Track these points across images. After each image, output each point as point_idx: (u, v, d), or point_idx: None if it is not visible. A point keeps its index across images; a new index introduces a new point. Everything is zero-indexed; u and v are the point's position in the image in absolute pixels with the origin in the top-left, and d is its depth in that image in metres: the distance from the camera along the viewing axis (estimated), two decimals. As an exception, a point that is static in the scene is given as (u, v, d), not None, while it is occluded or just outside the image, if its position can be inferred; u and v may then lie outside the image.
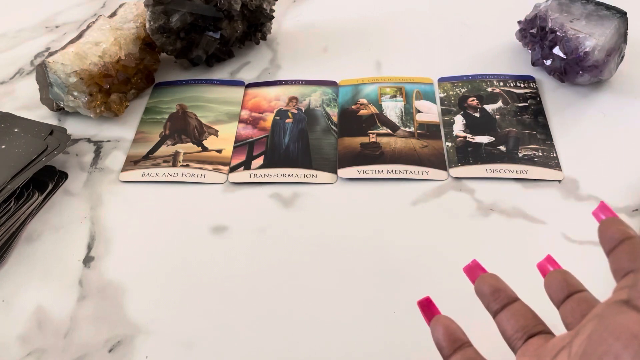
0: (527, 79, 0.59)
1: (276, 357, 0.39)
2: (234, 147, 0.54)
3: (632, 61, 0.58)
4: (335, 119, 0.57)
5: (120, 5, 0.62)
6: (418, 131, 0.54)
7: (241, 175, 0.52)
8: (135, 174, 0.52)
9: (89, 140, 0.56)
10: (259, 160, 0.53)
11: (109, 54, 0.56)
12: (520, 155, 0.51)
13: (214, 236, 0.47)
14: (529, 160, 0.50)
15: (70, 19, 0.73)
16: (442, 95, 0.58)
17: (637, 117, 0.54)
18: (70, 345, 0.41)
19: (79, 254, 0.46)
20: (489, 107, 0.56)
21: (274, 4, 0.63)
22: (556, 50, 0.55)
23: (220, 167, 0.53)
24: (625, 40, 0.55)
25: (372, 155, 0.52)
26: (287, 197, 0.50)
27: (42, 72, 0.55)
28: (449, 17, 0.68)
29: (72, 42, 0.57)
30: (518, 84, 0.58)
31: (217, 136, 0.56)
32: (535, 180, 0.49)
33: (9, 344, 0.41)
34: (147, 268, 0.45)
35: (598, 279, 0.42)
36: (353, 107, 0.58)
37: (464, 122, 0.55)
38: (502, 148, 0.52)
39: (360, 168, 0.51)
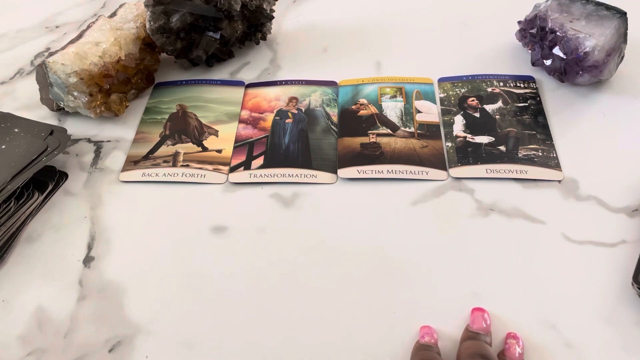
0: (527, 79, 0.59)
1: (276, 357, 0.39)
2: (234, 147, 0.54)
3: (632, 61, 0.58)
4: (335, 119, 0.57)
5: (120, 6, 0.62)
6: (418, 131, 0.54)
7: (241, 175, 0.52)
8: (135, 174, 0.52)
9: (89, 140, 0.56)
10: (259, 161, 0.53)
11: (109, 54, 0.56)
12: (520, 155, 0.51)
13: (214, 236, 0.47)
14: (529, 160, 0.50)
15: (70, 19, 0.73)
16: (442, 95, 0.58)
17: (637, 117, 0.54)
18: (70, 345, 0.41)
19: (79, 254, 0.46)
20: (489, 107, 0.56)
21: (274, 4, 0.63)
22: (556, 51, 0.55)
23: (220, 167, 0.53)
24: (625, 40, 0.55)
25: (372, 155, 0.52)
26: (287, 197, 0.50)
27: (42, 72, 0.55)
28: (449, 17, 0.68)
29: (72, 42, 0.57)
30: (518, 84, 0.58)
31: (217, 136, 0.56)
32: (535, 180, 0.49)
33: (9, 344, 0.41)
34: (147, 268, 0.45)
35: (598, 278, 0.42)
36: (353, 107, 0.58)
37: (464, 122, 0.55)
38: (502, 148, 0.52)
39: (360, 168, 0.51)
